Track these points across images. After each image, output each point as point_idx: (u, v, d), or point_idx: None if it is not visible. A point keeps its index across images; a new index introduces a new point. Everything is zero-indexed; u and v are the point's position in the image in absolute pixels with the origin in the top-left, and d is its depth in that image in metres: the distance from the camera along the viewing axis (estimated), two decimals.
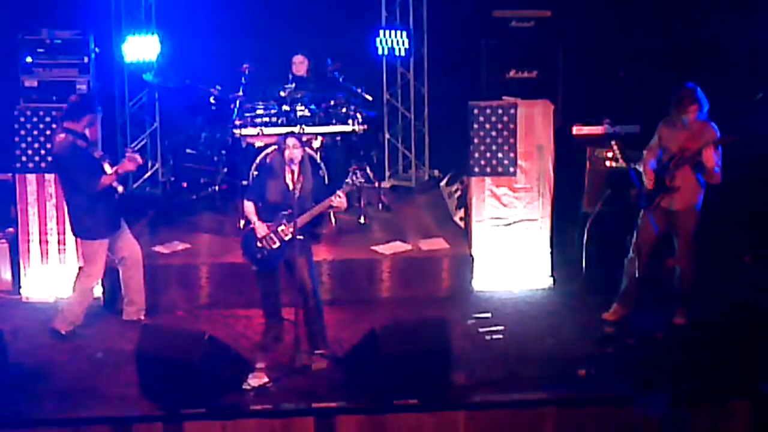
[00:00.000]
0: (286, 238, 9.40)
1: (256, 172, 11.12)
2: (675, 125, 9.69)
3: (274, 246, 9.44)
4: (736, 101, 11.43)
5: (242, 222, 10.77)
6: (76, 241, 10.43)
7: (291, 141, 9.44)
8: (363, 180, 9.57)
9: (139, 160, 9.71)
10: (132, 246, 9.97)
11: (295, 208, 9.26)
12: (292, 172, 9.43)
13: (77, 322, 9.81)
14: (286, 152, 9.41)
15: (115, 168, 9.55)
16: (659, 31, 12.40)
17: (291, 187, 9.41)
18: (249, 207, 9.56)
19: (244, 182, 11.19)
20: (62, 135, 9.54)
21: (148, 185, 12.79)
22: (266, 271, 9.58)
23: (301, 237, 9.30)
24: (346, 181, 9.45)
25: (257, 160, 11.22)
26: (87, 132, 9.62)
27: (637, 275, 9.90)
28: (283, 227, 9.39)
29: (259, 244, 9.47)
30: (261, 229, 9.45)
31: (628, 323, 9.92)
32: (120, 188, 9.68)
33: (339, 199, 9.37)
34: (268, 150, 11.16)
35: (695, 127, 9.59)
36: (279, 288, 9.68)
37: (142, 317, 9.98)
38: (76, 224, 9.78)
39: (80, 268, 10.01)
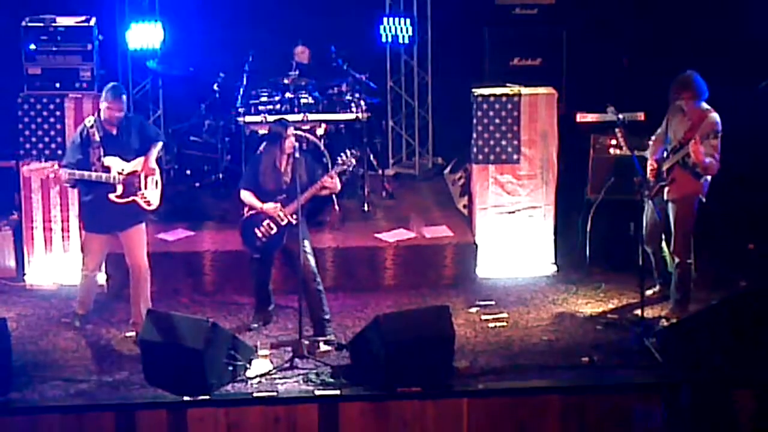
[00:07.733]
0: (283, 223, 9.42)
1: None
2: (678, 114, 9.67)
3: (272, 232, 9.46)
4: (739, 89, 11.42)
5: (246, 210, 10.77)
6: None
7: (291, 129, 9.51)
8: (354, 160, 9.64)
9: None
10: (134, 263, 9.52)
11: (290, 194, 9.31)
12: (288, 157, 9.47)
13: (85, 309, 9.80)
14: (287, 141, 9.45)
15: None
16: (662, 18, 12.37)
17: (284, 172, 9.45)
18: (247, 196, 9.57)
19: None
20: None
21: None
22: (266, 258, 9.60)
23: (296, 221, 9.30)
24: (338, 161, 9.58)
25: (260, 148, 11.20)
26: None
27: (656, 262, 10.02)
28: (280, 212, 9.42)
29: (258, 232, 9.48)
30: (270, 207, 9.45)
31: (632, 311, 9.94)
32: (119, 189, 9.38)
33: (331, 180, 9.45)
34: None
35: (695, 117, 9.54)
36: (270, 277, 9.74)
37: (131, 325, 9.65)
38: None
39: None
